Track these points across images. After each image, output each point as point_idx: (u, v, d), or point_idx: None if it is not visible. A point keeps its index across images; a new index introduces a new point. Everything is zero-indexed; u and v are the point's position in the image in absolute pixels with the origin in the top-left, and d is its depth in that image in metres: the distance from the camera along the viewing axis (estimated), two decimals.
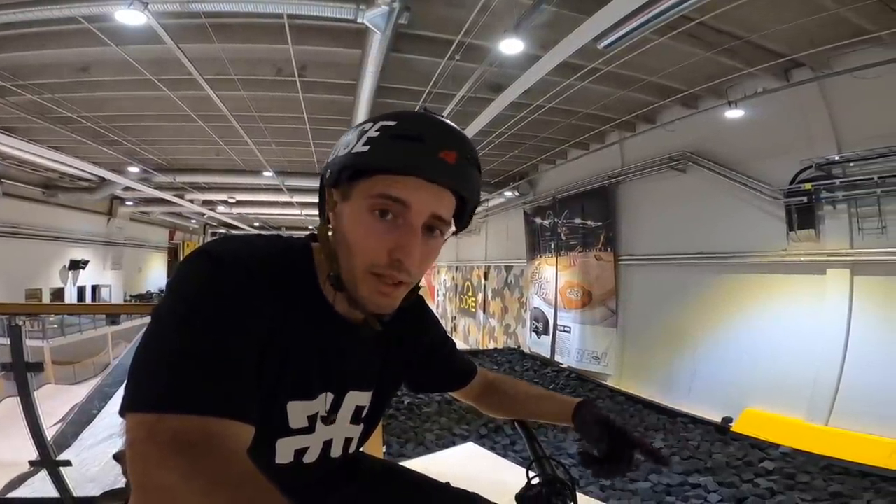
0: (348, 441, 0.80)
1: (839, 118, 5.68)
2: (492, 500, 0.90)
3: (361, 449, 0.87)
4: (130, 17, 4.42)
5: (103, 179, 11.87)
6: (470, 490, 0.91)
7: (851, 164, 5.58)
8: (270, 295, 0.59)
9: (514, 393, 1.00)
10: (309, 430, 0.71)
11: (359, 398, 0.77)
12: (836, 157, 5.65)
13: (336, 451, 0.78)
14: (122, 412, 0.49)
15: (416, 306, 0.88)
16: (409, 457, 5.39)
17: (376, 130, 0.61)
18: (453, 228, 0.70)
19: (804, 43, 5.34)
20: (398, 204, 0.60)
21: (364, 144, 0.60)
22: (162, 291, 20.50)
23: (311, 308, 0.67)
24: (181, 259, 0.62)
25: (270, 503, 0.43)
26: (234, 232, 24.53)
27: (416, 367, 0.89)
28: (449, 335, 0.99)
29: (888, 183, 5.21)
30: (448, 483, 0.92)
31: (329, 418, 0.73)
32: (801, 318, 6.24)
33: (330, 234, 0.67)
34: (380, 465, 0.99)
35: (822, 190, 5.79)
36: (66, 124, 7.99)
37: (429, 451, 5.89)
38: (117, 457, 0.76)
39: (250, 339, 0.56)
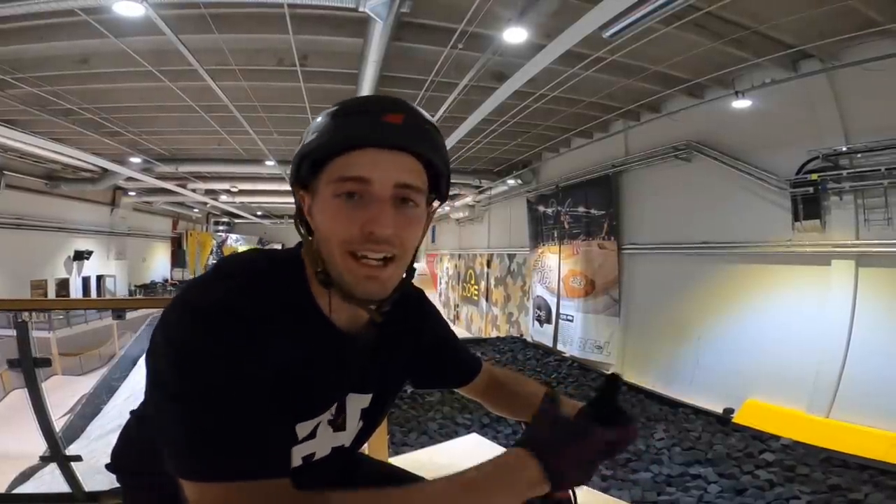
0: (355, 441, 0.81)
1: (847, 109, 5.60)
2: None
3: (366, 451, 0.89)
4: (128, 9, 4.38)
5: (105, 170, 11.84)
6: None
7: (859, 156, 5.52)
8: (266, 331, 0.58)
9: (522, 393, 0.98)
10: (311, 435, 0.71)
11: (360, 401, 0.77)
12: (844, 148, 5.58)
13: (348, 447, 0.79)
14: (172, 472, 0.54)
15: (415, 304, 0.87)
16: (413, 447, 5.44)
17: (323, 118, 0.62)
18: (437, 202, 0.70)
19: (813, 34, 5.25)
20: (359, 182, 0.59)
21: (312, 134, 0.62)
22: (166, 281, 20.61)
23: (308, 326, 0.65)
24: (167, 309, 0.59)
25: None
26: (231, 223, 24.52)
27: (419, 364, 0.88)
28: (452, 329, 0.97)
29: None
30: None
31: (338, 424, 0.74)
32: (804, 309, 6.24)
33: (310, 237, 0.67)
34: (381, 468, 1.01)
35: (828, 181, 5.74)
36: (66, 116, 7.96)
37: (432, 440, 5.96)
38: (109, 467, 0.79)
39: (262, 388, 0.56)
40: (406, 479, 0.95)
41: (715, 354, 7.38)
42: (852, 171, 5.57)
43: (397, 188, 0.60)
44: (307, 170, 0.63)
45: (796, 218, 6.12)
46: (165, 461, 0.54)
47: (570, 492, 0.73)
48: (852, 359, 5.64)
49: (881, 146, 5.25)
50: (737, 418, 6.57)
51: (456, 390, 0.99)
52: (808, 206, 5.98)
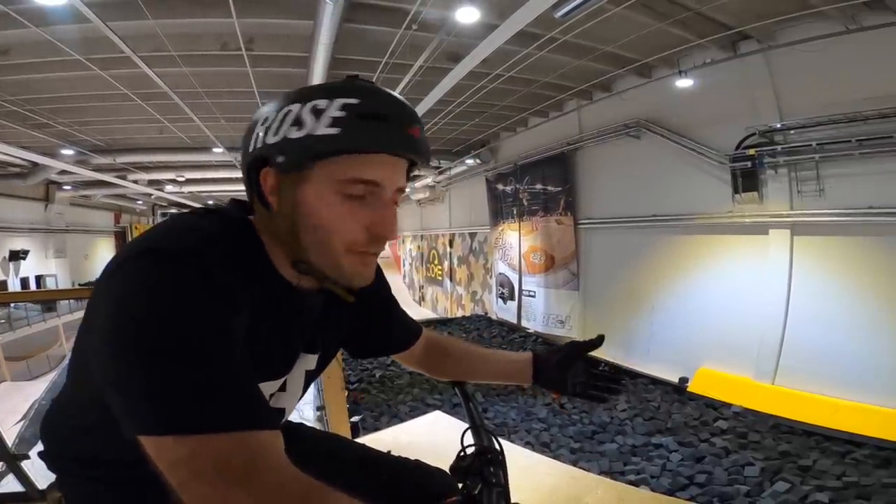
0: (295, 407, 0.80)
1: (782, 88, 5.93)
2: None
3: (328, 426, 0.90)
4: None
5: (35, 164, 11.00)
6: (428, 457, 0.93)
7: (792, 132, 5.88)
8: (234, 282, 0.55)
9: (459, 353, 0.98)
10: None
11: (308, 361, 0.76)
12: (778, 125, 5.94)
13: (287, 416, 0.78)
14: (133, 433, 0.47)
15: None
16: (382, 429, 5.51)
17: (340, 109, 0.58)
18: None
19: (751, 16, 5.49)
20: (371, 185, 0.60)
21: (330, 126, 0.57)
22: None
23: (268, 285, 0.64)
24: (120, 260, 0.54)
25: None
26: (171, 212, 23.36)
27: (358, 329, 0.86)
28: (394, 295, 0.94)
29: (826, 149, 5.54)
30: (389, 452, 0.95)
31: (282, 385, 0.73)
32: (746, 276, 6.67)
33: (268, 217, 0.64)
34: (319, 435, 0.99)
35: (764, 155, 6.10)
36: None
37: (403, 422, 6.05)
38: (41, 455, 0.72)
39: (235, 338, 0.53)
40: (344, 446, 0.97)
41: (667, 324, 7.79)
42: (786, 146, 5.94)
43: (397, 191, 0.64)
44: (303, 156, 0.58)
45: (736, 190, 6.49)
46: (124, 427, 0.48)
47: (497, 445, 0.83)
48: (791, 325, 6.08)
49: (812, 123, 5.60)
50: (691, 387, 6.94)
51: (394, 358, 0.96)
52: (747, 180, 6.34)
